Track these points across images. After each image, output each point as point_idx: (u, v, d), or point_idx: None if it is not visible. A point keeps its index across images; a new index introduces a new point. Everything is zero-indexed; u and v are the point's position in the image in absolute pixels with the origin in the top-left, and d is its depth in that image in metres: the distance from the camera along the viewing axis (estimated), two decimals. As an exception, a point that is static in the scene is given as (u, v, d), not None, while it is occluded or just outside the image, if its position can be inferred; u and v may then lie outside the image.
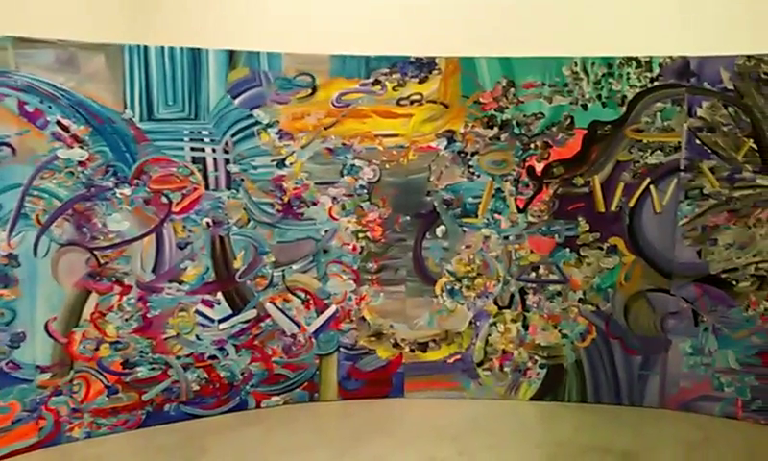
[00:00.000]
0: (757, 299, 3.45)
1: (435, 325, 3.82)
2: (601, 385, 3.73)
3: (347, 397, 3.86)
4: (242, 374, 3.73)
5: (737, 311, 3.49)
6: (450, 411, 3.70)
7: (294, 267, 3.68)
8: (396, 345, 3.81)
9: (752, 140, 3.36)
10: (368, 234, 3.69)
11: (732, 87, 3.35)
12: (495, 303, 3.65)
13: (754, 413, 3.52)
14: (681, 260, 3.56)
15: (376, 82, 3.55)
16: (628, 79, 3.45)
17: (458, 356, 3.78)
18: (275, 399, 3.79)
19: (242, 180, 3.58)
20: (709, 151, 3.44)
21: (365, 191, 3.68)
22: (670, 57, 3.41)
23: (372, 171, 3.68)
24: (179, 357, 3.54)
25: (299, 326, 3.79)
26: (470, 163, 3.62)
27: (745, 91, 3.32)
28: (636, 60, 3.44)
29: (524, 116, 3.56)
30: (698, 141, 3.45)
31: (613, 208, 3.58)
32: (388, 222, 3.72)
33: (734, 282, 3.49)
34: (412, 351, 3.84)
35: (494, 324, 3.75)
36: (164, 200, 3.42)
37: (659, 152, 3.51)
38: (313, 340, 3.83)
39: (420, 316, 3.82)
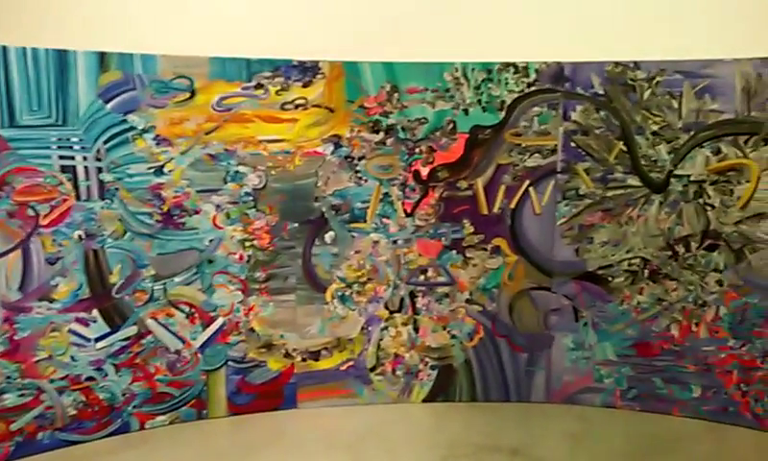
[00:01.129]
0: (631, 293, 3.88)
1: (327, 332, 3.99)
2: (490, 383, 4.06)
3: (237, 412, 3.96)
4: (123, 394, 3.75)
5: (613, 306, 3.91)
6: (344, 419, 3.87)
7: (176, 280, 3.72)
8: (287, 355, 3.95)
9: (622, 142, 3.77)
10: (255, 243, 3.78)
11: (602, 92, 3.75)
12: (386, 307, 3.81)
13: (630, 401, 3.97)
14: (560, 259, 3.95)
15: (259, 85, 3.66)
16: (506, 84, 3.79)
17: (351, 363, 3.98)
18: (160, 418, 3.82)
19: (117, 189, 3.61)
20: (584, 153, 3.84)
21: (250, 198, 3.77)
22: (545, 63, 3.77)
23: (258, 177, 3.77)
24: (52, 381, 3.54)
25: (183, 341, 3.86)
26: (357, 168, 3.83)
27: (614, 96, 3.74)
28: (514, 65, 3.77)
29: (409, 121, 3.80)
30: (573, 144, 3.84)
31: (496, 210, 3.91)
32: (275, 229, 3.86)
33: (610, 278, 3.91)
34: (304, 360, 3.97)
35: (386, 328, 3.99)
36: (31, 212, 3.41)
37: (537, 155, 3.87)
38: (199, 355, 3.90)
39: (312, 324, 3.98)
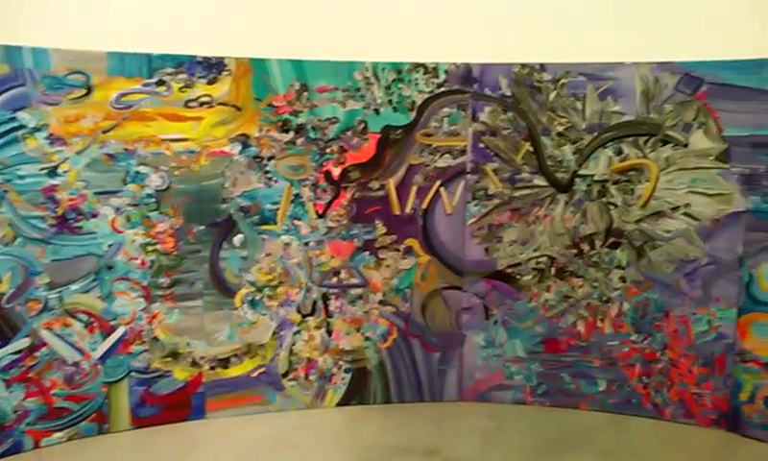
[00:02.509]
0: (539, 291, 4.27)
1: (236, 338, 4.09)
2: (404, 384, 4.36)
3: (141, 424, 4.03)
4: (15, 412, 3.74)
5: (522, 303, 4.28)
6: (255, 428, 4.02)
7: (73, 287, 3.69)
8: (194, 364, 4.06)
9: (528, 143, 4.13)
10: (158, 247, 3.89)
11: (509, 94, 4.10)
12: (298, 310, 4.00)
13: (540, 397, 4.36)
14: (471, 258, 4.28)
15: (161, 82, 3.76)
16: (416, 84, 4.07)
17: (262, 369, 4.16)
18: (57, 435, 3.84)
19: (5, 191, 3.58)
20: (492, 154, 4.18)
21: (152, 200, 3.87)
22: (455, 63, 4.09)
23: (160, 178, 3.87)
24: (-67, 399, 3.29)
25: (82, 352, 3.89)
26: (267, 168, 4.00)
27: (521, 97, 4.10)
28: (424, 66, 4.06)
29: (319, 121, 4.02)
30: (482, 145, 4.17)
31: (408, 211, 4.19)
32: (180, 232, 3.85)
33: (518, 276, 4.28)
34: (212, 368, 4.10)
35: (298, 332, 4.20)
36: None
37: (447, 155, 4.18)
38: (99, 367, 3.94)
39: (220, 331, 4.03)
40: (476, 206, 3.85)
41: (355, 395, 4.05)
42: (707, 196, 3.82)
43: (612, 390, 4.15)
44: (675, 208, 3.89)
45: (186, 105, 3.87)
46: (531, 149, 4.05)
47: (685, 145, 3.81)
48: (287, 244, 3.84)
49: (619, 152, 3.95)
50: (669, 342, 4.01)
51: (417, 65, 3.98)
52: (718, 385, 3.92)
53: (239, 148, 3.93)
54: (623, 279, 4.05)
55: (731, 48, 3.75)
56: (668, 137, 3.84)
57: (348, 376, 4.03)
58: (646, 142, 3.90)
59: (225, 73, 3.81)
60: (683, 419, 4.04)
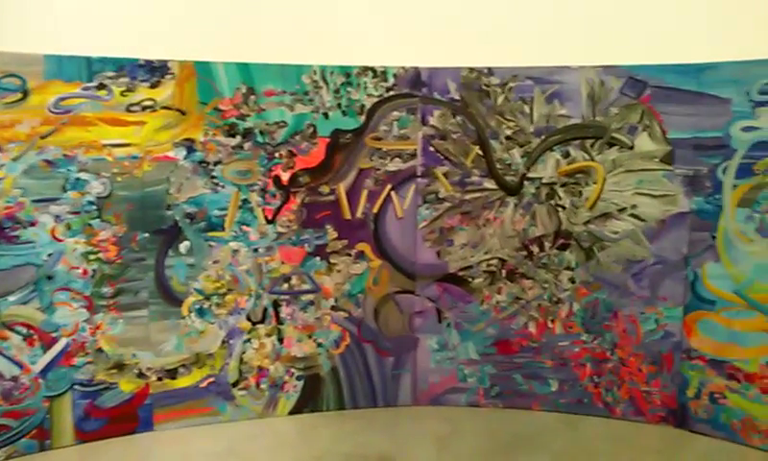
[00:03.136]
0: (490, 293, 4.30)
1: (184, 348, 4.01)
2: (357, 390, 4.34)
3: (86, 439, 3.95)
4: (-51, 430, 3.41)
5: (474, 306, 4.31)
6: (205, 439, 3.95)
7: (10, 299, 3.61)
8: (140, 375, 3.98)
9: (478, 147, 4.16)
10: (100, 255, 3.80)
11: (458, 97, 4.12)
12: (248, 318, 3.94)
13: (493, 399, 4.40)
14: (422, 262, 4.29)
15: (101, 86, 3.68)
16: (365, 88, 4.06)
17: (211, 379, 4.09)
18: (-6, 454, 3.54)
19: (-64, 201, 3.25)
20: (442, 157, 4.20)
21: (94, 207, 3.78)
22: (403, 67, 4.09)
23: (102, 185, 3.79)
24: None
25: (21, 366, 3.78)
26: (213, 174, 3.95)
27: (470, 101, 4.13)
28: (372, 69, 4.06)
29: (267, 124, 3.98)
30: (432, 148, 4.19)
31: (359, 215, 4.18)
32: (123, 240, 3.83)
33: (470, 279, 4.30)
34: (160, 379, 4.02)
35: (248, 340, 4.15)
36: None
37: (397, 159, 4.19)
38: (40, 380, 3.84)
39: (167, 341, 3.97)
40: (427, 209, 3.86)
41: (308, 402, 4.00)
42: (652, 197, 3.91)
43: (563, 390, 4.21)
44: (622, 210, 3.97)
45: (128, 109, 3.82)
46: (480, 152, 4.09)
47: (631, 147, 3.89)
48: (235, 251, 3.79)
49: (567, 155, 4.02)
50: (619, 341, 4.09)
51: (365, 69, 3.98)
52: (666, 383, 4.02)
53: (184, 153, 3.87)
54: (572, 281, 4.12)
55: (673, 52, 3.82)
56: (614, 140, 3.92)
57: (301, 383, 3.97)
58: (593, 145, 3.97)
59: (168, 76, 3.75)
60: (632, 417, 4.12)
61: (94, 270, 3.86)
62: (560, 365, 4.20)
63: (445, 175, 3.82)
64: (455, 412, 4.25)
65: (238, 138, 3.78)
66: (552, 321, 4.17)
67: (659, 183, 3.88)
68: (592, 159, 3.97)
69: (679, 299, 3.89)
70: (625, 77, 3.77)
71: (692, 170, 3.79)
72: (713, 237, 3.77)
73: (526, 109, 3.99)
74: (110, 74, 3.70)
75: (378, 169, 3.78)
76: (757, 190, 3.59)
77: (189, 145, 3.91)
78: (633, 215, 3.95)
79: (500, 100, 4.01)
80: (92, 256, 3.88)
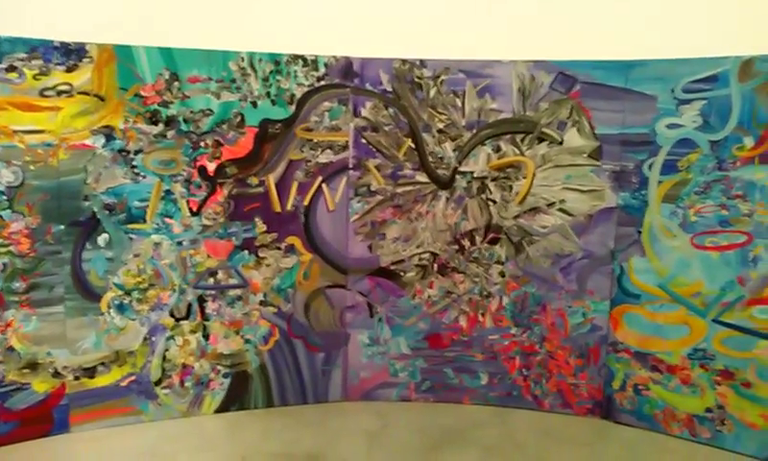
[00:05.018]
0: (422, 287, 4.34)
1: (103, 346, 3.98)
2: (286, 387, 4.32)
3: (-5, 443, 3.66)
4: None
5: (406, 300, 4.35)
6: (125, 440, 3.86)
7: None
8: (56, 374, 3.86)
9: (410, 140, 4.19)
10: (11, 249, 3.67)
11: (390, 89, 4.13)
12: (172, 314, 3.86)
13: (424, 393, 4.45)
14: (354, 256, 4.30)
15: (12, 68, 3.54)
16: (296, 77, 4.02)
17: (132, 378, 4.00)
18: None
19: None
20: (374, 150, 4.21)
21: (4, 198, 3.65)
22: (334, 57, 4.07)
23: (13, 173, 3.64)
24: None
25: None
26: (134, 163, 3.84)
27: (402, 93, 4.14)
28: (303, 58, 4.02)
29: (191, 112, 3.89)
30: (363, 140, 4.19)
31: (289, 208, 4.15)
32: (37, 233, 3.77)
33: (402, 273, 4.34)
34: (77, 378, 3.91)
35: (172, 337, 4.07)
36: None
37: (328, 151, 4.17)
38: (-57, 382, 3.50)
39: (85, 338, 3.95)
40: (359, 202, 3.88)
41: (235, 400, 3.93)
42: (580, 192, 4.03)
43: (493, 383, 4.32)
44: (551, 205, 4.08)
45: (42, 93, 3.68)
46: (412, 145, 4.11)
47: (560, 143, 4.00)
48: (158, 244, 3.73)
49: (497, 149, 4.09)
50: (547, 335, 4.22)
51: (296, 57, 3.94)
52: (593, 375, 4.16)
53: (102, 141, 3.77)
54: (502, 274, 4.21)
55: (602, 49, 3.94)
56: (544, 135, 4.02)
57: (227, 380, 3.91)
58: (523, 140, 4.05)
59: (86, 60, 3.65)
60: (560, 409, 4.26)
61: (5, 264, 3.74)
62: (490, 359, 4.29)
63: (378, 167, 3.83)
64: (386, 407, 4.29)
65: (161, 126, 3.72)
66: (482, 315, 4.26)
67: (586, 179, 4.00)
68: (522, 154, 4.04)
69: (605, 292, 4.04)
70: (555, 72, 3.88)
71: (619, 166, 3.93)
72: (639, 232, 3.92)
73: (458, 102, 4.05)
74: (21, 56, 3.57)
75: (309, 161, 3.77)
76: (681, 186, 3.76)
77: (108, 133, 3.83)
78: (561, 210, 4.07)
79: (432, 93, 4.05)
80: (2, 249, 3.74)
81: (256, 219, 4.08)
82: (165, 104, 3.80)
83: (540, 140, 4.03)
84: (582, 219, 4.00)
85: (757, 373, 3.66)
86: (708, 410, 3.82)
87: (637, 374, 4.00)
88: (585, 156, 3.97)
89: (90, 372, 3.98)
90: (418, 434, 3.94)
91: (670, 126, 3.74)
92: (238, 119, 3.93)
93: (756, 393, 3.67)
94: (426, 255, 4.25)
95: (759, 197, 3.55)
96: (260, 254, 4.07)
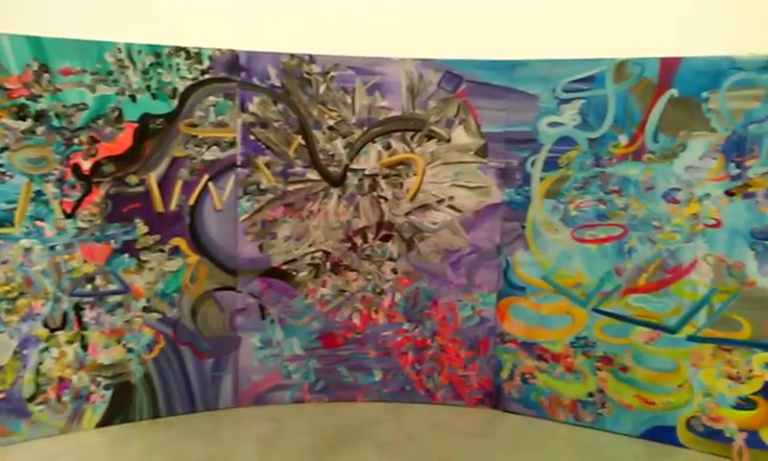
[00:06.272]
0: (315, 286, 4.33)
1: (-34, 362, 3.56)
2: (174, 396, 4.18)
3: None
4: None
5: (299, 300, 4.32)
6: (-6, 463, 3.56)
7: None
8: None
9: (300, 136, 4.16)
10: None
11: (279, 84, 4.08)
12: (46, 325, 3.66)
13: (318, 394, 4.45)
14: (244, 256, 4.22)
15: None
16: (178, 70, 3.88)
17: (1, 395, 3.71)
18: None
19: None
20: (263, 146, 4.14)
21: None
22: (219, 49, 3.97)
23: None
24: None
25: None
26: (0, 162, 3.56)
27: (291, 89, 4.11)
28: (186, 50, 3.89)
29: (64, 107, 3.67)
30: (252, 137, 4.12)
31: (173, 208, 4.01)
32: None
33: (294, 273, 4.30)
34: (-66, 398, 3.54)
35: (46, 349, 3.82)
36: None
37: (215, 147, 4.07)
38: None
39: (-56, 354, 3.49)
40: (248, 201, 3.82)
41: (118, 413, 3.77)
42: (468, 189, 4.19)
43: (387, 379, 4.40)
44: (440, 201, 4.22)
45: None
46: (303, 142, 4.10)
47: (448, 140, 4.13)
48: (28, 249, 3.55)
49: (388, 146, 4.17)
50: (438, 329, 4.35)
51: (178, 49, 3.82)
52: (482, 366, 4.34)
53: (-38, 137, 3.38)
54: (395, 271, 4.29)
55: (488, 49, 4.11)
56: (433, 133, 4.13)
57: (109, 392, 3.72)
58: (413, 137, 4.15)
59: (-61, 48, 3.28)
60: (452, 401, 4.41)
61: None
62: (383, 355, 4.37)
63: (267, 165, 3.81)
64: (280, 410, 4.27)
65: (29, 122, 3.50)
66: (375, 312, 4.33)
67: (474, 176, 4.17)
68: (412, 152, 4.14)
69: (493, 285, 4.23)
70: (442, 71, 3.99)
71: (504, 163, 4.11)
72: (523, 227, 4.13)
73: (348, 99, 4.08)
74: None
75: (194, 158, 3.68)
76: (562, 182, 4.00)
77: (-33, 128, 3.38)
78: (450, 206, 4.21)
79: (322, 89, 4.06)
80: None
81: (137, 220, 3.93)
82: (34, 97, 3.59)
83: (429, 138, 4.13)
84: (470, 215, 4.16)
85: (633, 357, 3.94)
86: (590, 395, 4.09)
87: (524, 363, 4.22)
88: (472, 153, 4.13)
89: (-49, 391, 3.57)
90: (313, 436, 3.94)
91: (551, 124, 3.96)
92: (116, 114, 3.77)
93: (632, 376, 3.98)
94: (319, 254, 4.27)
95: (633, 191, 3.83)
96: (142, 258, 3.94)
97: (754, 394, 3.64)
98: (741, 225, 3.56)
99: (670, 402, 3.86)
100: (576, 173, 3.92)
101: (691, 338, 3.75)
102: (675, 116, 3.64)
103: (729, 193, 3.58)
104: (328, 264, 4.27)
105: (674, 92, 3.62)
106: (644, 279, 3.83)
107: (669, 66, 3.64)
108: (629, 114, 3.75)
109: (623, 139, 3.79)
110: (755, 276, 3.56)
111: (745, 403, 3.65)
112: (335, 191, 4.19)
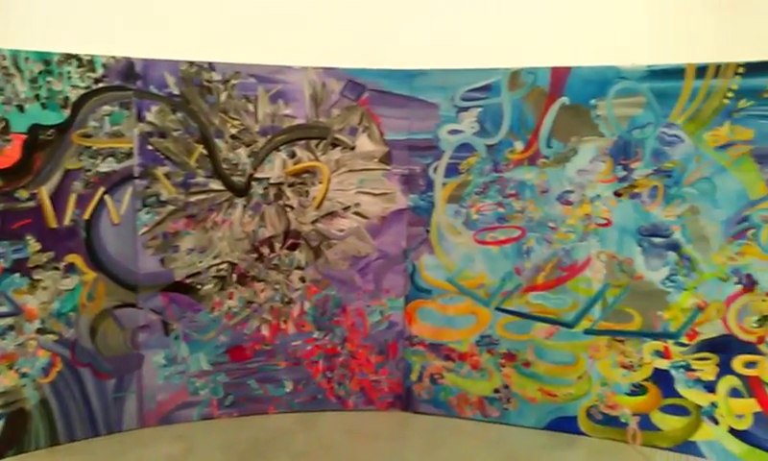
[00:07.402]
0: (221, 299, 4.30)
1: None
2: (73, 421, 4.02)
3: None
4: None
5: (204, 314, 4.27)
6: None
7: None
8: None
9: (202, 146, 4.12)
10: None
11: (178, 93, 4.02)
12: (-75, 353, 3.41)
13: (228, 409, 4.41)
14: (145, 271, 4.12)
15: None
16: (69, 78, 3.75)
17: None
18: None
19: None
20: (163, 157, 4.07)
21: None
22: (114, 57, 3.87)
23: None
24: None
25: None
26: None
27: (191, 97, 4.06)
28: (77, 57, 3.77)
29: (-59, 118, 3.45)
30: (150, 147, 4.04)
31: (67, 223, 3.86)
32: None
33: (199, 286, 4.25)
34: None
35: (-74, 380, 3.56)
36: None
37: (110, 159, 3.96)
38: None
39: None
40: (148, 213, 3.77)
41: (12, 444, 3.72)
42: (373, 195, 4.32)
43: (298, 390, 4.45)
44: (346, 208, 4.32)
45: None
46: (205, 151, 4.09)
47: (353, 148, 4.24)
48: None
49: (293, 155, 4.23)
50: (348, 335, 4.45)
51: (69, 56, 3.71)
52: (392, 370, 4.47)
53: None
54: (303, 280, 4.36)
55: (389, 58, 4.26)
56: (337, 141, 4.23)
57: (1, 422, 3.50)
58: (317, 145, 4.24)
59: None
60: (364, 406, 4.52)
61: None
62: (293, 365, 4.41)
63: (167, 176, 3.76)
64: (188, 428, 4.22)
65: None
66: (284, 322, 4.37)
67: (378, 182, 4.30)
68: (317, 160, 4.23)
69: (400, 290, 4.38)
70: (345, 80, 4.10)
71: (407, 169, 4.27)
72: (427, 231, 4.31)
73: (251, 107, 4.11)
74: None
75: (89, 170, 3.60)
76: (463, 187, 4.21)
77: None
78: (356, 213, 4.32)
79: (223, 97, 4.07)
80: None
81: (28, 237, 3.79)
82: None
83: (334, 146, 4.24)
84: (376, 221, 4.30)
85: (535, 352, 4.20)
86: (496, 391, 4.31)
87: (432, 364, 4.39)
88: (376, 160, 4.27)
89: None
90: (224, 452, 3.93)
91: (451, 131, 4.17)
92: (2, 125, 3.61)
93: (534, 370, 4.23)
94: (224, 266, 4.26)
95: (530, 195, 4.09)
96: (35, 277, 3.80)
97: (645, 380, 3.94)
98: (629, 223, 3.88)
99: (571, 394, 4.12)
100: (476, 178, 4.14)
101: (588, 331, 4.03)
102: (566, 123, 3.92)
103: (617, 194, 3.90)
104: (235, 276, 4.27)
105: (565, 100, 3.89)
106: (542, 278, 4.09)
107: (560, 75, 3.92)
108: (523, 121, 4.01)
109: (519, 145, 4.04)
110: (642, 270, 3.87)
111: (637, 390, 3.96)
112: (240, 201, 4.19)
